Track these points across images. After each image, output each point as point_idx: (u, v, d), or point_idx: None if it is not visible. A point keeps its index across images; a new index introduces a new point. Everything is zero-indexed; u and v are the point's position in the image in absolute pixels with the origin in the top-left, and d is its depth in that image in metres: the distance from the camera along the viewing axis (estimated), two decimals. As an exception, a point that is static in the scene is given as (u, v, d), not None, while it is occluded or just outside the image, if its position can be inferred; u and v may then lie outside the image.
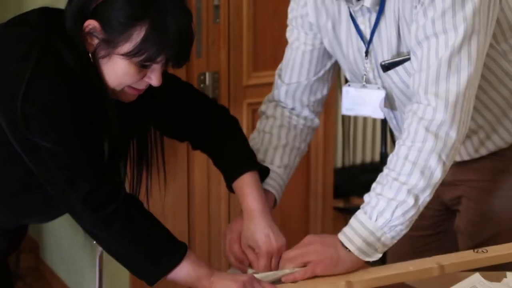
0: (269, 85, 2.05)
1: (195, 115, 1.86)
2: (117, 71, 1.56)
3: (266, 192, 1.85)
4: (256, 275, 1.64)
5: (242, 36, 2.75)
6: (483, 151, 1.94)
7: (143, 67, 1.55)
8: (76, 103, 1.51)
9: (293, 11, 1.94)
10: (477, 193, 1.99)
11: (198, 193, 2.83)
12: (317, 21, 1.89)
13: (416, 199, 1.63)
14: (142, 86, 1.61)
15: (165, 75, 1.66)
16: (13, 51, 1.53)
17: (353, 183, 4.08)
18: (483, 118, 1.87)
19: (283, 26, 2.04)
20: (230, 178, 1.79)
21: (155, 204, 2.58)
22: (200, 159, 2.72)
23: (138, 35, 1.50)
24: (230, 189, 1.83)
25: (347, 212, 3.63)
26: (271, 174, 1.87)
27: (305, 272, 1.64)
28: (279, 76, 1.98)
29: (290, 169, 1.95)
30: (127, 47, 1.51)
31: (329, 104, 2.99)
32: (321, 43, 1.93)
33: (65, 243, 3.37)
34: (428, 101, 1.63)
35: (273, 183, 1.88)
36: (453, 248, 2.06)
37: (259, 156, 1.89)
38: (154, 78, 1.58)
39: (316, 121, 2.03)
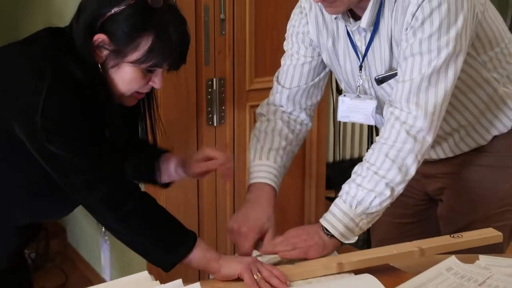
0: (268, 90, 2.05)
1: None
2: (126, 77, 1.56)
3: (268, 186, 1.85)
4: (259, 258, 1.65)
5: (245, 46, 2.74)
6: (464, 148, 1.94)
7: (149, 72, 1.57)
8: (87, 116, 1.51)
9: (294, 28, 1.94)
10: (459, 185, 2.01)
11: (207, 189, 2.82)
12: (318, 39, 1.90)
13: (392, 191, 1.67)
14: (146, 90, 1.64)
15: None
16: (28, 70, 1.53)
17: (343, 176, 4.06)
18: (464, 118, 1.88)
19: (281, 37, 2.03)
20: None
21: (169, 199, 2.61)
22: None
23: (145, 44, 1.51)
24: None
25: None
26: (272, 171, 1.88)
27: (299, 252, 1.66)
28: (279, 82, 1.98)
29: (286, 169, 1.98)
30: (135, 55, 1.52)
31: (322, 108, 3.00)
32: (319, 55, 1.93)
33: (88, 229, 3.37)
34: (409, 110, 1.66)
35: (275, 179, 1.88)
36: (435, 233, 2.06)
37: (261, 154, 1.91)
38: (157, 82, 1.61)
39: (310, 124, 2.05)
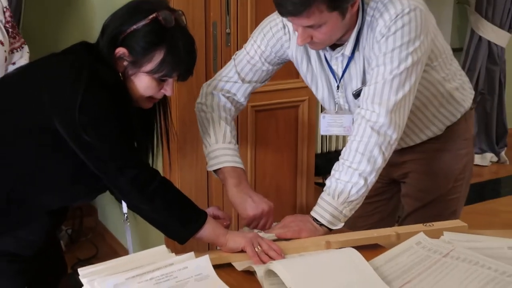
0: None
1: None
2: (142, 85, 1.60)
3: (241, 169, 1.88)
4: (259, 233, 1.66)
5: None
6: (424, 137, 1.98)
7: (161, 81, 1.60)
8: (116, 112, 1.54)
9: (273, 38, 1.90)
10: (421, 168, 2.05)
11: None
12: (296, 58, 1.90)
13: (365, 180, 1.68)
14: (159, 96, 1.67)
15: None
16: (67, 75, 1.55)
17: (329, 164, 4.08)
18: (422, 113, 1.92)
19: None
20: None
21: (183, 183, 2.60)
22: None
23: (158, 57, 1.55)
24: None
25: (323, 186, 3.59)
26: (237, 153, 1.90)
27: (293, 232, 1.67)
28: (239, 74, 1.95)
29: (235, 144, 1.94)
30: (150, 66, 1.56)
31: (312, 106, 2.99)
32: (278, 64, 1.95)
33: (115, 209, 3.38)
34: (373, 109, 1.68)
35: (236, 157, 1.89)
36: (396, 209, 2.21)
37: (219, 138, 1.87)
38: (168, 89, 1.64)
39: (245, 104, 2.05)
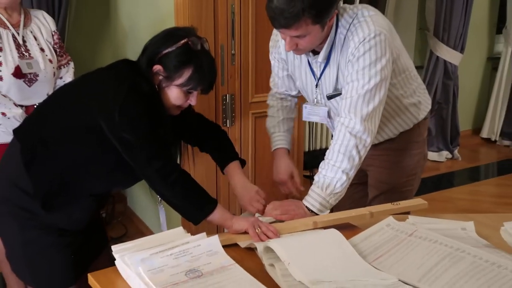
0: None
1: (201, 131, 1.92)
2: (173, 95, 1.62)
3: (282, 148, 2.05)
4: (259, 217, 1.67)
5: (248, 72, 2.72)
6: (380, 139, 2.02)
7: (188, 93, 1.61)
8: (149, 115, 1.54)
9: (274, 52, 2.01)
10: (380, 163, 2.06)
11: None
12: (287, 58, 1.95)
13: (347, 175, 1.70)
14: (186, 105, 1.68)
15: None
16: (111, 85, 1.58)
17: (315, 160, 4.12)
18: (382, 122, 1.90)
19: None
20: (222, 166, 1.88)
21: (196, 176, 2.59)
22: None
23: (187, 74, 1.58)
24: (223, 173, 1.90)
25: (311, 178, 3.61)
26: (282, 135, 2.07)
27: (287, 217, 1.68)
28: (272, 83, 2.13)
29: (290, 132, 2.12)
30: (180, 81, 1.59)
31: (300, 112, 2.97)
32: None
33: (141, 197, 3.37)
34: (350, 117, 1.69)
35: (285, 141, 2.06)
36: (363, 193, 2.19)
37: (274, 128, 2.09)
38: (193, 100, 1.66)
39: (296, 101, 2.16)
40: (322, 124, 4.33)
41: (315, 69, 1.85)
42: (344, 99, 1.72)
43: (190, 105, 1.70)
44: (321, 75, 1.84)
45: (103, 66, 1.70)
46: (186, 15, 2.51)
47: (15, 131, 1.72)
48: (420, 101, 2.00)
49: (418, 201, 1.77)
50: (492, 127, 5.35)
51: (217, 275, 1.25)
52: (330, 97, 1.85)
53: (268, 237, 1.52)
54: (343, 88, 1.75)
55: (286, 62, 1.95)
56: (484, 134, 5.40)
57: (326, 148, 1.76)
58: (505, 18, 5.17)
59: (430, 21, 4.59)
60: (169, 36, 1.64)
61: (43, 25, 2.27)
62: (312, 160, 4.08)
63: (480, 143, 5.40)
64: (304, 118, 1.99)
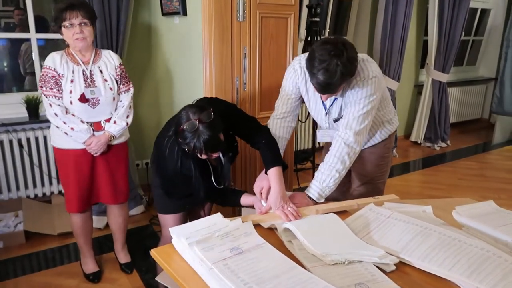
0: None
1: (254, 133, 1.72)
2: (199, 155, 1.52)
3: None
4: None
5: (255, 96, 2.63)
6: (365, 146, 1.94)
7: (201, 154, 1.49)
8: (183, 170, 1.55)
9: (293, 77, 1.78)
10: (361, 162, 1.97)
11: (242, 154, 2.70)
12: (302, 91, 1.81)
13: (340, 174, 1.64)
14: (211, 158, 1.54)
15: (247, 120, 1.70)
16: (163, 148, 1.58)
17: (297, 158, 4.11)
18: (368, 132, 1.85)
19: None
20: (267, 168, 1.65)
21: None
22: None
23: (191, 144, 1.45)
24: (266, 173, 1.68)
25: (297, 170, 3.54)
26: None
27: (299, 204, 1.61)
28: (279, 104, 1.85)
29: (282, 149, 1.82)
30: (191, 149, 1.47)
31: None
32: (300, 96, 1.83)
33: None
34: (345, 132, 1.64)
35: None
36: (348, 185, 2.06)
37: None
38: (213, 156, 1.51)
39: (293, 125, 1.88)
40: (301, 131, 4.28)
41: (326, 103, 1.79)
42: (343, 118, 1.68)
43: (239, 117, 1.64)
44: (330, 107, 1.78)
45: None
46: (211, 58, 2.43)
47: None
48: (391, 118, 1.96)
49: (392, 196, 1.71)
50: (418, 133, 5.34)
51: (254, 252, 1.17)
52: (335, 120, 1.79)
53: (293, 218, 1.45)
54: (343, 110, 1.70)
55: (301, 91, 1.81)
56: (413, 138, 5.37)
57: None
58: (425, 57, 5.17)
59: (376, 59, 4.55)
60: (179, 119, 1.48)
61: (108, 61, 2.17)
62: (295, 157, 4.08)
63: (410, 145, 5.37)
64: (318, 140, 1.93)
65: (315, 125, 3.52)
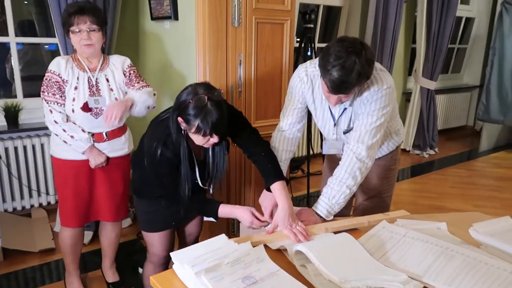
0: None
1: (254, 143, 1.62)
2: (194, 139, 1.42)
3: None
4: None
5: (251, 103, 2.52)
6: (377, 156, 1.85)
7: (204, 136, 1.41)
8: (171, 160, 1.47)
9: (297, 87, 1.67)
10: (372, 174, 1.89)
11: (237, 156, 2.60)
12: (309, 102, 1.69)
13: (350, 190, 1.54)
14: (208, 145, 1.48)
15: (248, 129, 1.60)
16: (151, 136, 1.51)
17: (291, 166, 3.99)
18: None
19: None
20: (269, 182, 1.53)
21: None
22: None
23: (195, 123, 1.38)
24: (268, 190, 1.56)
25: (289, 180, 3.43)
26: (282, 165, 1.65)
27: (306, 222, 1.50)
28: (284, 114, 1.73)
29: (286, 162, 1.72)
30: (193, 129, 1.40)
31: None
32: (306, 106, 1.71)
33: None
34: (357, 146, 1.54)
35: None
36: (351, 198, 1.96)
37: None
38: (212, 141, 1.44)
39: (299, 134, 1.74)
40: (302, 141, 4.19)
41: (333, 112, 1.67)
42: (354, 131, 1.57)
43: (242, 125, 1.57)
44: (339, 117, 1.67)
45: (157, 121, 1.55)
46: (205, 65, 2.32)
47: None
48: (399, 129, 1.89)
49: (402, 212, 1.62)
50: (407, 141, 5.33)
51: (268, 281, 1.06)
52: (345, 132, 1.68)
53: (302, 238, 1.34)
54: (354, 122, 1.59)
55: (307, 101, 1.70)
56: (402, 146, 5.35)
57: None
58: (413, 65, 5.18)
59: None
60: (185, 94, 1.41)
61: (116, 69, 2.03)
62: (291, 166, 3.94)
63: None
64: (324, 152, 1.81)
65: (309, 134, 3.42)
